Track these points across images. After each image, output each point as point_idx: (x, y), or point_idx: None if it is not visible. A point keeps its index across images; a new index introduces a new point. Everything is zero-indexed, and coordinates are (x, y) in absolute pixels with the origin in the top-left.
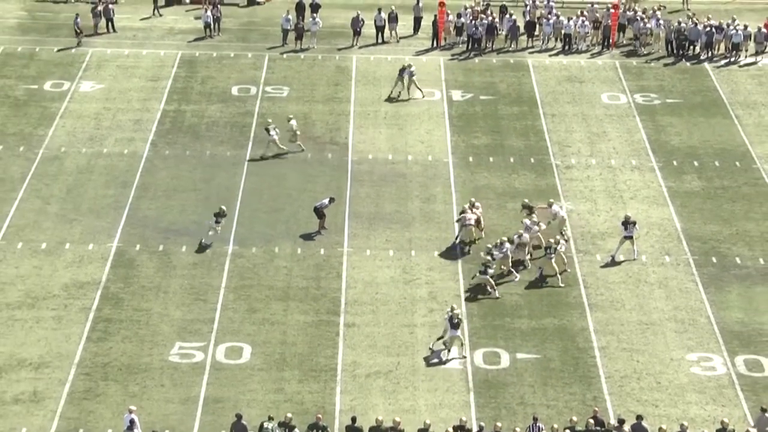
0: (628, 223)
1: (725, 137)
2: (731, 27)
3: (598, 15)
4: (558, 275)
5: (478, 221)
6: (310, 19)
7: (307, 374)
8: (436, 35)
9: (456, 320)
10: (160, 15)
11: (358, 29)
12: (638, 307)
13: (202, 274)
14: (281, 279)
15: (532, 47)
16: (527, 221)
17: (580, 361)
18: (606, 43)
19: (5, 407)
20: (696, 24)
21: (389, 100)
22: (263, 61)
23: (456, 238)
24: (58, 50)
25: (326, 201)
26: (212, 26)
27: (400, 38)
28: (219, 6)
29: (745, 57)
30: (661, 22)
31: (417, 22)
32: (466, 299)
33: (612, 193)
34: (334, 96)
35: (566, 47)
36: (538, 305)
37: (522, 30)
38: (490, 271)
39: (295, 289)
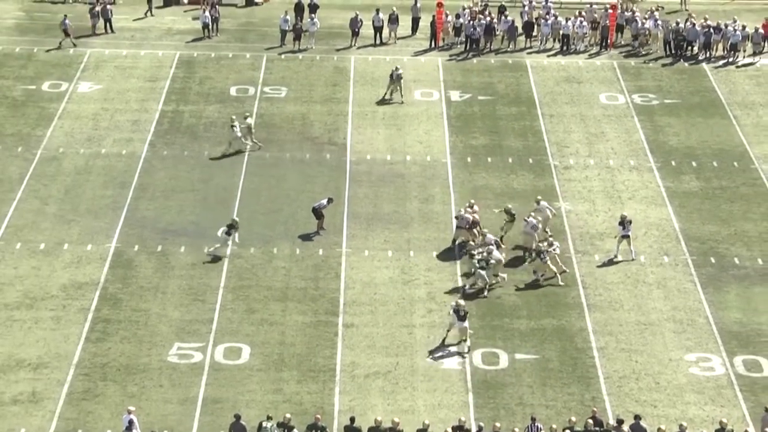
0: (624, 222)
1: (723, 137)
2: (729, 27)
3: (596, 15)
4: (558, 275)
5: (474, 223)
6: (309, 20)
7: (305, 375)
8: (434, 36)
9: (462, 312)
10: (152, 15)
11: (357, 30)
12: (637, 308)
13: (200, 274)
14: (280, 279)
15: (531, 48)
16: (533, 220)
17: (578, 361)
18: (604, 44)
19: (4, 408)
20: (694, 24)
21: (383, 101)
22: (261, 61)
23: (453, 240)
24: (47, 51)
25: (324, 201)
26: (210, 27)
27: (398, 39)
28: (217, 6)
29: (743, 57)
30: (659, 22)
31: (415, 22)
32: (465, 299)
33: (610, 194)
34: (332, 96)
35: (564, 48)
36: (536, 306)
37: (520, 30)
38: (488, 268)
39: (294, 289)
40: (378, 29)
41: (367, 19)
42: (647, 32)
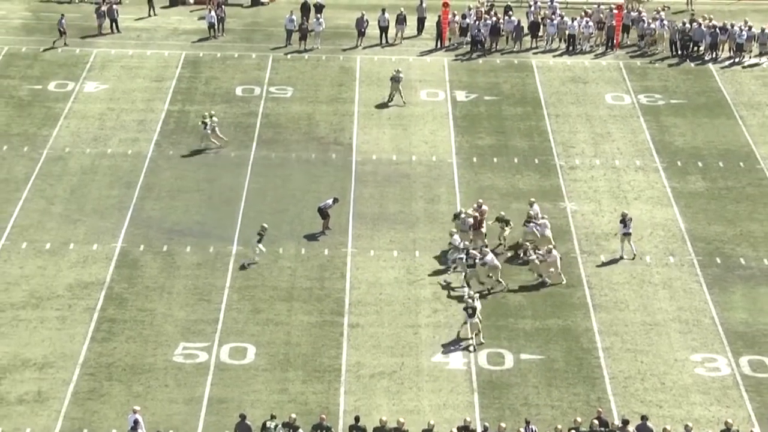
0: (625, 220)
1: (729, 138)
2: (736, 27)
3: (602, 15)
4: (560, 275)
5: (479, 223)
6: (315, 20)
7: (311, 375)
8: (440, 36)
9: (470, 309)
10: (155, 14)
11: (363, 30)
12: (642, 308)
13: (206, 274)
14: (285, 279)
15: (536, 48)
16: (544, 221)
17: (584, 361)
18: (610, 44)
19: (9, 407)
20: (700, 25)
21: (386, 104)
22: (267, 61)
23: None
24: (43, 50)
25: (330, 201)
26: (216, 27)
27: (404, 39)
28: (223, 6)
29: (750, 58)
30: (665, 22)
31: (421, 22)
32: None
33: (616, 194)
34: (338, 96)
35: (570, 48)
36: (541, 306)
37: (526, 30)
38: (477, 266)
39: (299, 289)
40: (384, 29)
41: (373, 19)
42: (653, 32)
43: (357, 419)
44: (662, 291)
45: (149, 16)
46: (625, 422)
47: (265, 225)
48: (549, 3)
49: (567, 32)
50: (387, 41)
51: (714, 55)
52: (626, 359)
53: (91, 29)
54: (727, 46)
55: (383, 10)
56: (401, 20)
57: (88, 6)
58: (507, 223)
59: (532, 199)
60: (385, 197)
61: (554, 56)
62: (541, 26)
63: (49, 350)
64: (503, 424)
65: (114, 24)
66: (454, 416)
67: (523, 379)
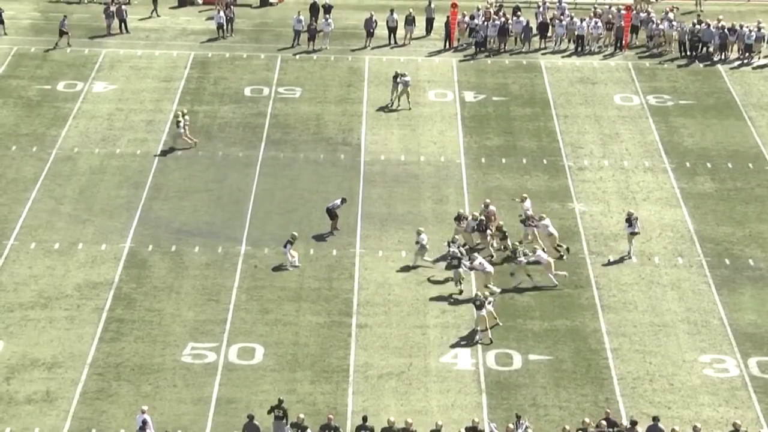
0: (631, 220)
1: (738, 139)
2: (745, 28)
3: (610, 16)
4: (552, 277)
5: (485, 226)
6: (323, 20)
7: (319, 375)
8: (448, 36)
9: (478, 302)
10: (158, 15)
11: (371, 30)
12: (651, 309)
13: (214, 274)
14: (293, 280)
15: (545, 48)
16: (546, 222)
17: (592, 362)
18: (619, 45)
19: (18, 407)
20: (709, 25)
21: (390, 105)
22: (276, 62)
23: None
24: (46, 50)
25: (338, 201)
26: (225, 27)
27: (413, 39)
28: (232, 7)
29: (759, 59)
30: (674, 23)
31: (429, 23)
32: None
33: (625, 195)
34: (346, 97)
35: (579, 48)
36: (550, 307)
37: (535, 31)
38: (464, 265)
39: (308, 290)
40: (392, 30)
41: (382, 20)
42: (662, 33)
43: (365, 419)
44: (671, 292)
45: (151, 16)
46: (634, 423)
47: (295, 234)
48: (558, 4)
49: (576, 33)
50: (396, 42)
51: (723, 56)
52: (635, 360)
53: (100, 29)
54: (736, 47)
55: (392, 11)
56: (410, 21)
57: (97, 6)
58: (505, 234)
59: (525, 195)
60: (393, 198)
61: (563, 57)
62: (550, 27)
63: (57, 350)
64: (511, 425)
65: (123, 24)
66: (463, 417)
67: (531, 379)
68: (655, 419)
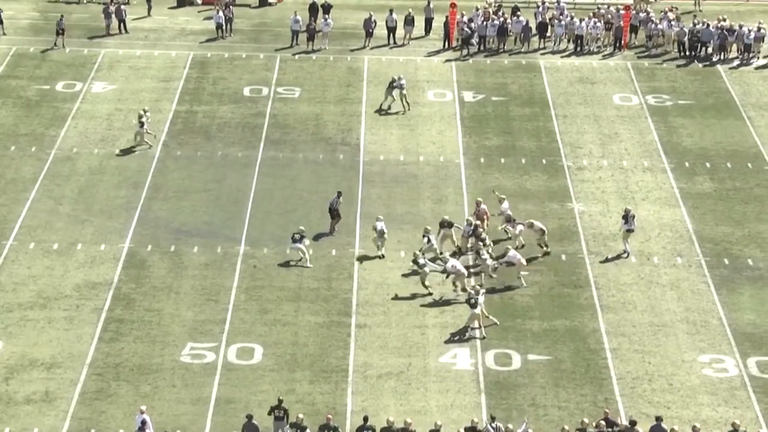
0: (628, 217)
1: (737, 139)
2: (744, 28)
3: (609, 16)
4: (520, 278)
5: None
6: (322, 20)
7: (318, 375)
8: (447, 36)
9: (473, 300)
10: (149, 15)
11: (371, 30)
12: (650, 309)
13: (213, 274)
14: (293, 280)
15: (544, 48)
16: (538, 224)
17: (591, 362)
18: (618, 45)
19: (17, 407)
20: (708, 25)
21: (379, 111)
22: (275, 62)
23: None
24: (42, 51)
25: (336, 198)
26: (224, 27)
27: (412, 39)
28: (231, 7)
29: (758, 59)
30: (673, 23)
31: (428, 23)
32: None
33: (624, 195)
34: (345, 97)
35: (578, 48)
36: (549, 306)
37: (534, 31)
38: (427, 268)
39: (307, 290)
40: (391, 30)
41: (381, 20)
42: (661, 33)
43: (366, 419)
44: (670, 292)
45: (148, 15)
46: (633, 423)
47: (302, 227)
48: (557, 4)
49: (575, 33)
50: (395, 42)
51: (722, 56)
52: (634, 360)
53: (99, 29)
54: (735, 47)
55: (391, 11)
56: (409, 21)
57: (96, 6)
58: (484, 242)
59: (503, 196)
60: (392, 198)
61: (562, 57)
62: (549, 27)
63: (56, 350)
64: (510, 425)
65: (122, 24)
66: (462, 417)
67: (530, 379)
68: (658, 419)
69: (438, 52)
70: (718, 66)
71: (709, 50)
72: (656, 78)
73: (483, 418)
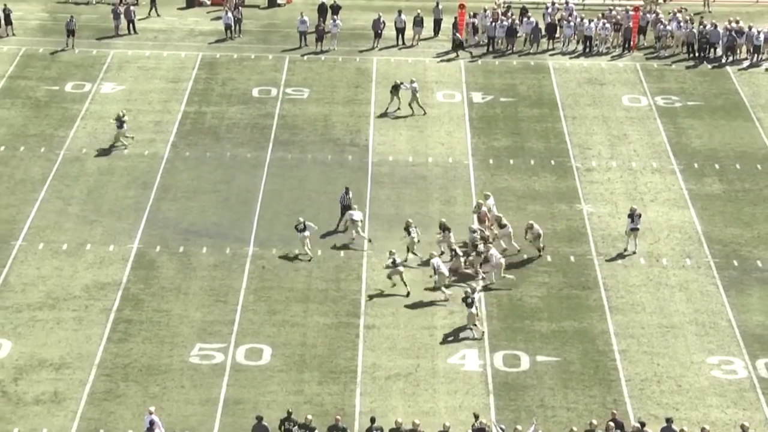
0: (633, 216)
1: (746, 140)
2: (753, 30)
3: (618, 17)
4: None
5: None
6: (331, 21)
7: (326, 376)
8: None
9: (469, 300)
10: (158, 15)
11: (379, 31)
12: (659, 310)
13: (222, 275)
14: (301, 281)
15: (553, 49)
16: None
17: (600, 364)
18: (627, 46)
19: (26, 407)
20: (716, 26)
21: (385, 114)
22: (284, 62)
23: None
24: (52, 53)
25: (344, 194)
26: (233, 28)
27: (421, 40)
28: (240, 8)
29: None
30: (682, 24)
31: (437, 24)
32: (487, 301)
33: (633, 196)
34: (354, 98)
35: (587, 49)
36: (557, 308)
37: (543, 32)
38: (400, 268)
39: (315, 291)
40: (400, 30)
41: (390, 21)
42: (669, 34)
43: (373, 420)
44: (679, 293)
45: (149, 16)
46: (642, 424)
47: (300, 219)
48: (565, 5)
49: (584, 34)
50: (404, 43)
51: (731, 58)
52: (642, 361)
53: (108, 30)
54: (744, 48)
55: (400, 12)
56: (418, 22)
57: (105, 7)
58: (448, 229)
59: (488, 193)
60: (401, 199)
61: (571, 58)
62: (558, 28)
63: (65, 351)
64: (519, 427)
65: (131, 25)
66: (470, 418)
67: (539, 381)
68: (669, 421)
69: (447, 53)
70: (727, 67)
71: (718, 51)
72: (665, 79)
73: (492, 419)
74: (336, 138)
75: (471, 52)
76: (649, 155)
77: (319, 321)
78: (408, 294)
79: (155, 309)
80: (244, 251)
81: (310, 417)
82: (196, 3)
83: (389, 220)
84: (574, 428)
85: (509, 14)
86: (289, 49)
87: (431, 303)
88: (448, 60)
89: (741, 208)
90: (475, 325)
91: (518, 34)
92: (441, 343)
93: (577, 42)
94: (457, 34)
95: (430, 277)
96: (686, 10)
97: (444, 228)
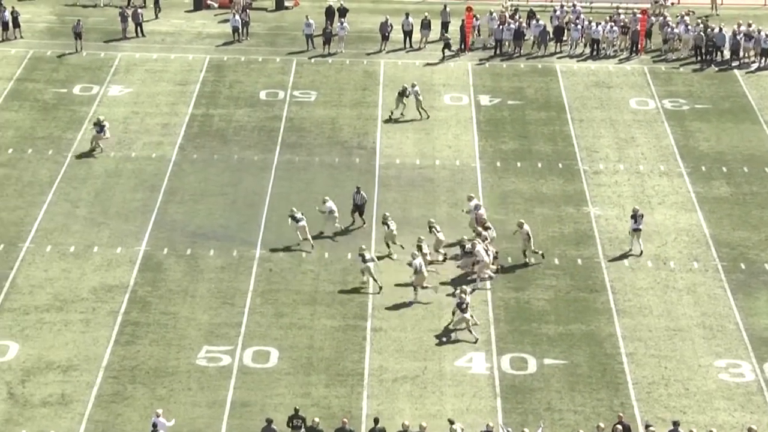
0: (636, 216)
1: (754, 143)
2: (762, 33)
3: (626, 20)
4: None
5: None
6: (338, 24)
7: (334, 379)
8: (463, 40)
9: (464, 305)
10: (156, 17)
11: (387, 34)
12: (666, 313)
13: (229, 278)
14: (308, 283)
15: (560, 52)
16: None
17: (607, 367)
18: (634, 48)
19: (33, 410)
20: (721, 29)
21: (389, 120)
22: (291, 65)
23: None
24: (59, 56)
25: (355, 192)
26: (240, 31)
27: (428, 43)
28: (247, 10)
29: None
30: (690, 27)
31: (445, 27)
32: (494, 304)
33: (640, 199)
34: (361, 100)
35: (594, 52)
36: (565, 311)
37: (551, 35)
38: (371, 264)
39: (322, 293)
40: (408, 33)
41: (397, 24)
42: (677, 37)
43: (376, 421)
44: (686, 296)
45: (155, 18)
46: (648, 427)
47: (294, 208)
48: (573, 8)
49: (591, 37)
50: (411, 45)
51: (738, 61)
52: (650, 365)
53: (115, 33)
54: (752, 51)
55: (407, 15)
56: (425, 25)
57: (113, 10)
58: (431, 229)
59: (471, 194)
60: (408, 201)
61: (578, 61)
62: (566, 31)
63: (73, 353)
64: (526, 430)
65: (139, 28)
66: (477, 421)
67: (546, 384)
68: (675, 424)
69: (454, 55)
70: (735, 70)
71: (726, 55)
72: (673, 82)
73: (499, 422)
74: (343, 141)
75: (455, 54)
76: (656, 158)
77: (326, 323)
78: (380, 289)
79: (162, 311)
80: (251, 254)
81: (317, 419)
82: (204, 6)
83: (397, 222)
84: (581, 431)
85: (517, 17)
86: (296, 51)
87: (437, 306)
88: (437, 61)
89: (749, 211)
90: (470, 331)
91: (526, 37)
92: (448, 346)
93: (585, 45)
94: (447, 35)
95: (410, 277)
96: (693, 12)
97: (431, 228)
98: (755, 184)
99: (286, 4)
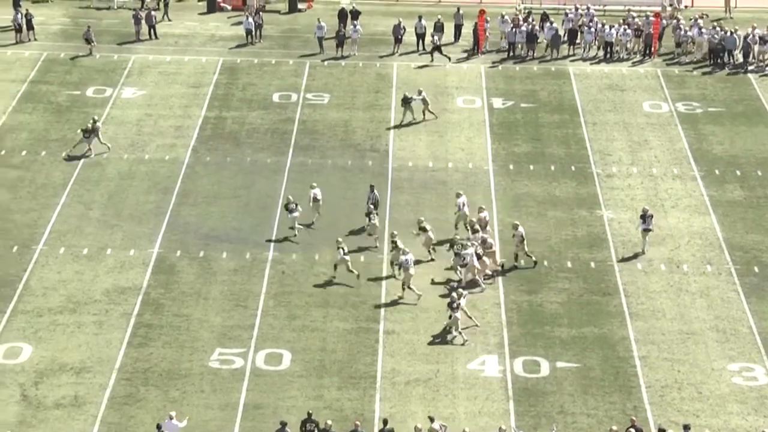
0: (645, 216)
1: None
2: None
3: (639, 23)
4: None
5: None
6: (351, 27)
7: (346, 381)
8: (476, 43)
9: (455, 304)
10: (169, 20)
11: (399, 37)
12: (679, 317)
13: (242, 280)
14: (321, 286)
15: (574, 55)
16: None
17: (620, 370)
18: (647, 51)
19: (47, 412)
20: (732, 33)
21: (398, 127)
22: (304, 68)
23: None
24: (72, 58)
25: (370, 192)
26: (254, 33)
27: (441, 46)
28: (261, 13)
29: None
30: (703, 30)
31: (458, 29)
32: (507, 307)
33: (653, 202)
34: (374, 103)
35: (608, 55)
36: (578, 314)
37: (564, 38)
38: (347, 257)
39: (335, 295)
40: (420, 36)
41: (410, 26)
42: (690, 40)
43: (385, 422)
44: (699, 300)
45: (164, 19)
46: (662, 430)
47: (290, 197)
48: (586, 10)
49: (605, 39)
50: (424, 48)
51: (747, 68)
52: (663, 368)
53: (129, 35)
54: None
55: (420, 17)
56: (439, 28)
57: (126, 12)
58: (424, 230)
59: (460, 192)
60: (421, 204)
61: (591, 64)
62: (579, 33)
63: (86, 355)
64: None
65: (152, 30)
66: (490, 424)
67: (558, 387)
68: (686, 428)
69: (467, 58)
70: (749, 73)
71: (739, 58)
72: (686, 85)
73: (511, 425)
74: (356, 143)
75: (448, 58)
76: (669, 161)
77: (338, 326)
78: (358, 276)
79: (175, 313)
80: (264, 256)
81: (329, 422)
82: (217, 8)
83: (408, 225)
84: None
85: (530, 20)
86: (309, 54)
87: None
88: (467, 65)
89: (762, 215)
90: (460, 332)
91: (539, 40)
92: (460, 349)
93: (598, 48)
94: (436, 37)
95: (396, 275)
96: (707, 16)
97: (422, 228)
98: None
99: (300, 6)
